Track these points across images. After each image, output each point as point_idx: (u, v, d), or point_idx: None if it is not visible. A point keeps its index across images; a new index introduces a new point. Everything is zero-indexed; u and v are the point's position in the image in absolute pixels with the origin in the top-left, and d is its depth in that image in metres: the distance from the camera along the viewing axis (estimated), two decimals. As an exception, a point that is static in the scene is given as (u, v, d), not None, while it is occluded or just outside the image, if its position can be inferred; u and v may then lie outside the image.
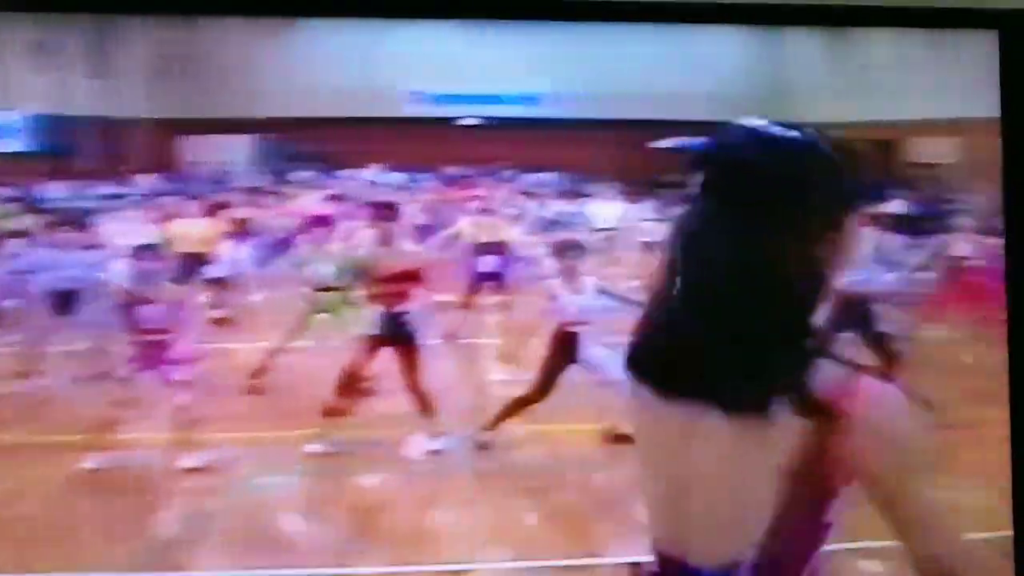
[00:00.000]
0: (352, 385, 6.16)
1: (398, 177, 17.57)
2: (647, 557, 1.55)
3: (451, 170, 21.28)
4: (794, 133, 1.43)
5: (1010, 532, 2.22)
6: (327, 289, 7.39)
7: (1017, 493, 2.16)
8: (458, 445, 6.18)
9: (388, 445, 6.10)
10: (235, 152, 24.96)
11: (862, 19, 2.75)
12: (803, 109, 26.23)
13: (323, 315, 7.37)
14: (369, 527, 5.11)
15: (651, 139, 25.37)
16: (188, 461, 5.87)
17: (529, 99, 26.84)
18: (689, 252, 1.40)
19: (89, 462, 5.81)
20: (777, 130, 1.43)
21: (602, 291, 6.36)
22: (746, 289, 1.34)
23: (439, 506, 5.40)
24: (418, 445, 6.10)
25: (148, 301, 5.85)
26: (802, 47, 27.03)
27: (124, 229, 10.25)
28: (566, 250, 6.35)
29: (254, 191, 18.09)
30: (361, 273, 6.47)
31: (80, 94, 22.29)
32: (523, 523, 5.19)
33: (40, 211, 13.08)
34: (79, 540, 4.91)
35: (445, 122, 26.11)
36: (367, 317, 6.32)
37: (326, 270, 7.30)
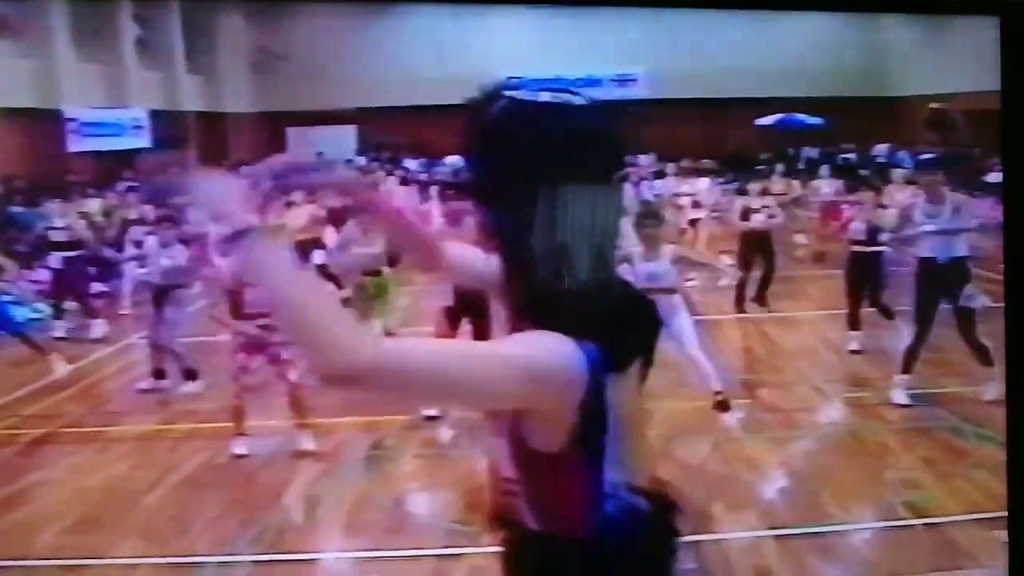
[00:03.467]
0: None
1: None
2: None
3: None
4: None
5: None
6: (373, 273, 7.36)
7: (1012, 475, 1.98)
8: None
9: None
10: (337, 142, 25.43)
11: (866, 3, 2.61)
12: (899, 80, 25.34)
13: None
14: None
15: (752, 116, 24.84)
16: (306, 444, 6.00)
17: (626, 80, 26.40)
18: None
19: (238, 448, 5.95)
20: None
21: (680, 258, 6.58)
22: None
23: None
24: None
25: (250, 286, 5.66)
26: (895, 16, 25.86)
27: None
28: (645, 219, 6.51)
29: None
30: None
31: (184, 90, 22.86)
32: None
33: (154, 204, 13.70)
34: (206, 523, 5.04)
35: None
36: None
37: (370, 252, 7.14)
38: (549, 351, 1.42)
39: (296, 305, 1.35)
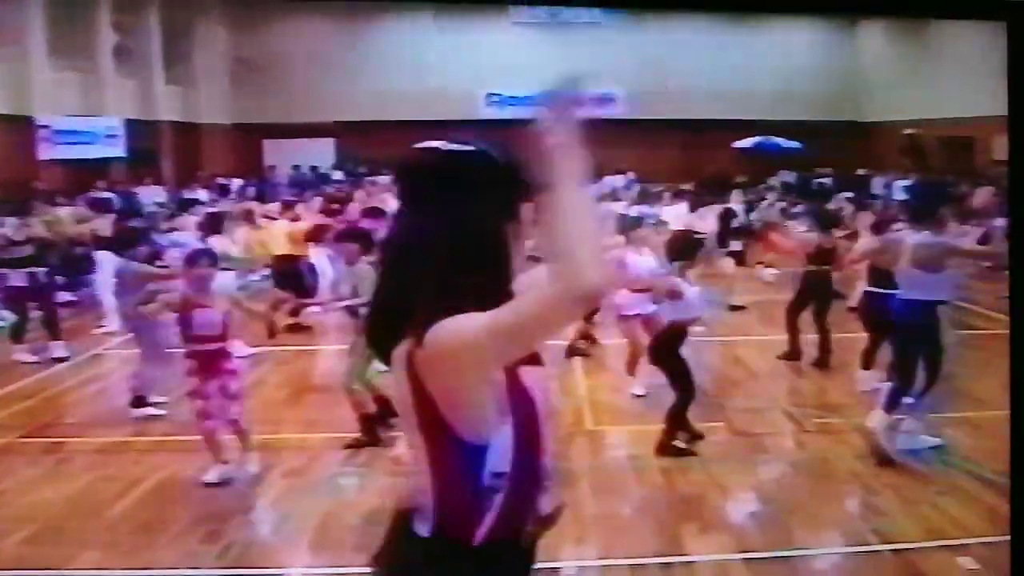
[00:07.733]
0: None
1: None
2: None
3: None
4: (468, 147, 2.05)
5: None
6: None
7: (1016, 498, 1.99)
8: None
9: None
10: (315, 156, 25.34)
11: (868, 7, 2.57)
12: (876, 107, 25.65)
13: None
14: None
15: (728, 139, 25.04)
16: (252, 468, 5.88)
17: (604, 100, 26.37)
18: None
19: (210, 475, 5.69)
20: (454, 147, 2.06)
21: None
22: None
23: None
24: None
25: (203, 307, 5.58)
26: (874, 43, 26.28)
27: (186, 236, 10.47)
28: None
29: (333, 194, 18.13)
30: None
31: (161, 100, 22.61)
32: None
33: (121, 216, 13.43)
34: (171, 537, 4.98)
35: (523, 124, 25.56)
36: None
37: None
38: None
39: (581, 216, 1.67)
